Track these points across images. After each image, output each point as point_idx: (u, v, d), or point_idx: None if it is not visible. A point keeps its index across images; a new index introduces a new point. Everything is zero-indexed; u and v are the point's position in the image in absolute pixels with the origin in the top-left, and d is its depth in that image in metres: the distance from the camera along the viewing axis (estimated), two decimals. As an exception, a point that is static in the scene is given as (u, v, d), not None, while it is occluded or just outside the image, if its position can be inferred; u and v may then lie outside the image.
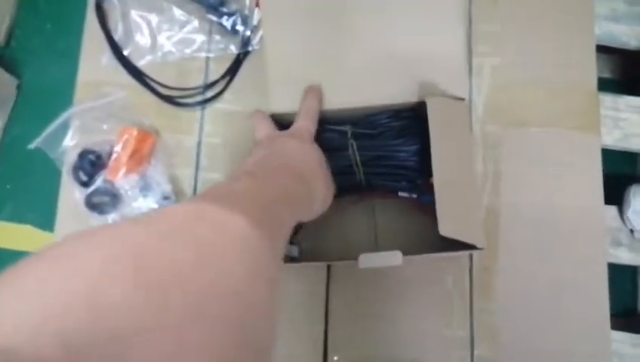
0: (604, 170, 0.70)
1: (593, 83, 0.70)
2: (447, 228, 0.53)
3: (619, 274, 1.06)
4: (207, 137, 0.69)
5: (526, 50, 0.70)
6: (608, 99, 1.02)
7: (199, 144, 0.69)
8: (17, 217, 1.12)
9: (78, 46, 1.19)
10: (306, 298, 0.65)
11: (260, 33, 0.71)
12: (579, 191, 0.67)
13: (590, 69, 0.70)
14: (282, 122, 0.62)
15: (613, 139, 1.01)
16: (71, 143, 0.65)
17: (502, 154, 0.68)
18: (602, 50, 1.09)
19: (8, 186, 1.13)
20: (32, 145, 0.64)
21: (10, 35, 1.20)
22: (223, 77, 0.71)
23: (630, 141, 1.00)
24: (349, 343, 0.63)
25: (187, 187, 0.67)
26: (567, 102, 0.69)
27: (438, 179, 0.55)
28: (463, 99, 0.60)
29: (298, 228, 0.64)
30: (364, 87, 0.60)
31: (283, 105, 0.60)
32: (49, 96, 1.19)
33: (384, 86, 0.60)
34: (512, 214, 0.67)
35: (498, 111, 0.68)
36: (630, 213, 0.94)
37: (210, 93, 0.70)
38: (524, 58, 0.70)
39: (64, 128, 0.66)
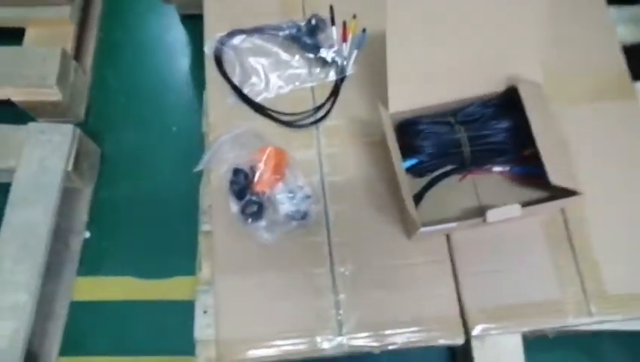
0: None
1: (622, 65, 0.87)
2: (556, 178, 0.68)
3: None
4: (325, 148, 0.83)
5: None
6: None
7: (319, 155, 0.83)
8: (117, 271, 1.22)
9: (151, 114, 1.35)
10: (432, 266, 0.77)
11: (352, 61, 0.87)
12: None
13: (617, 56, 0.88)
14: (398, 120, 0.77)
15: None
16: (224, 165, 0.78)
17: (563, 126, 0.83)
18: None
19: (104, 244, 1.24)
20: (196, 169, 0.78)
21: (88, 113, 1.34)
22: (327, 99, 0.86)
23: None
24: (482, 297, 0.75)
25: (318, 189, 0.80)
26: (606, 82, 0.86)
27: (540, 142, 0.70)
28: (540, 84, 0.76)
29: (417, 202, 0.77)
30: (461, 85, 0.76)
31: (400, 105, 0.75)
32: (129, 161, 1.32)
33: (476, 81, 0.76)
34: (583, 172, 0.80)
35: (557, 93, 0.84)
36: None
37: (320, 114, 0.85)
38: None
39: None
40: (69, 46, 1.26)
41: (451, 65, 0.74)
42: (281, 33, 0.87)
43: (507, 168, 0.79)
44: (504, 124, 0.75)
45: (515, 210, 0.69)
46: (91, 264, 1.23)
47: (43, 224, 1.09)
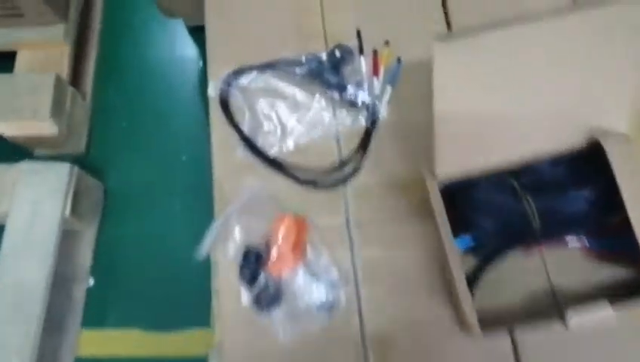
0: None
1: None
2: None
3: None
4: (355, 214, 0.68)
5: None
6: None
7: (348, 222, 0.67)
8: (124, 322, 1.10)
9: (158, 141, 1.21)
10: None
11: (385, 100, 0.71)
12: None
13: None
14: (447, 184, 0.61)
15: None
16: (232, 245, 0.64)
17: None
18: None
19: (110, 292, 1.12)
20: (199, 256, 0.63)
21: (89, 143, 1.21)
22: (356, 151, 0.70)
23: None
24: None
25: (348, 268, 0.65)
26: None
27: (634, 214, 0.53)
28: (630, 137, 0.59)
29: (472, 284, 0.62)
30: (527, 139, 0.59)
31: (449, 166, 0.59)
32: (134, 197, 1.19)
33: (546, 135, 0.59)
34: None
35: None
36: None
37: (347, 170, 0.70)
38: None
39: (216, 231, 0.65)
40: (65, 70, 1.12)
41: (514, 115, 0.58)
42: (298, 70, 0.71)
43: (585, 241, 0.62)
44: (584, 190, 0.59)
45: (606, 314, 0.53)
46: (96, 315, 1.11)
47: (38, 280, 0.98)
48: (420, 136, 0.62)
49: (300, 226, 0.64)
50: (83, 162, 1.14)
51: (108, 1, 1.31)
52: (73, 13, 1.16)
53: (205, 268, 0.85)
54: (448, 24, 0.76)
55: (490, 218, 0.59)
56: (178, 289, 1.10)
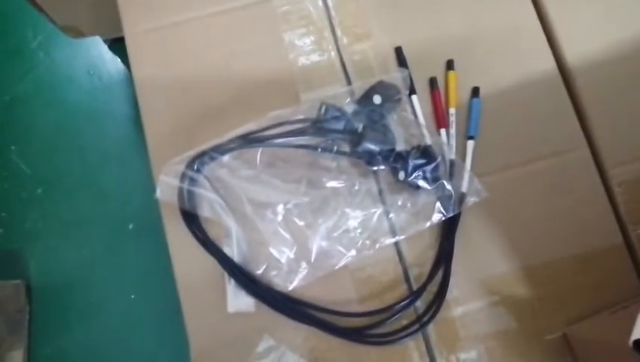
0: None
1: None
2: None
3: None
4: (449, 384, 0.39)
5: None
6: None
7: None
8: None
9: (86, 205, 0.87)
10: None
11: (468, 168, 0.42)
12: None
13: None
14: None
15: None
16: None
17: None
18: None
19: None
20: None
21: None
22: (434, 268, 0.41)
23: None
24: None
25: None
26: None
27: None
28: None
29: None
30: None
31: None
32: (68, 292, 0.86)
33: None
34: None
35: None
36: None
37: (421, 304, 0.40)
38: None
39: None
40: None
41: None
42: (309, 140, 0.40)
43: None
44: None
45: None
46: None
47: None
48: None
49: None
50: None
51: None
52: None
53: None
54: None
55: None
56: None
